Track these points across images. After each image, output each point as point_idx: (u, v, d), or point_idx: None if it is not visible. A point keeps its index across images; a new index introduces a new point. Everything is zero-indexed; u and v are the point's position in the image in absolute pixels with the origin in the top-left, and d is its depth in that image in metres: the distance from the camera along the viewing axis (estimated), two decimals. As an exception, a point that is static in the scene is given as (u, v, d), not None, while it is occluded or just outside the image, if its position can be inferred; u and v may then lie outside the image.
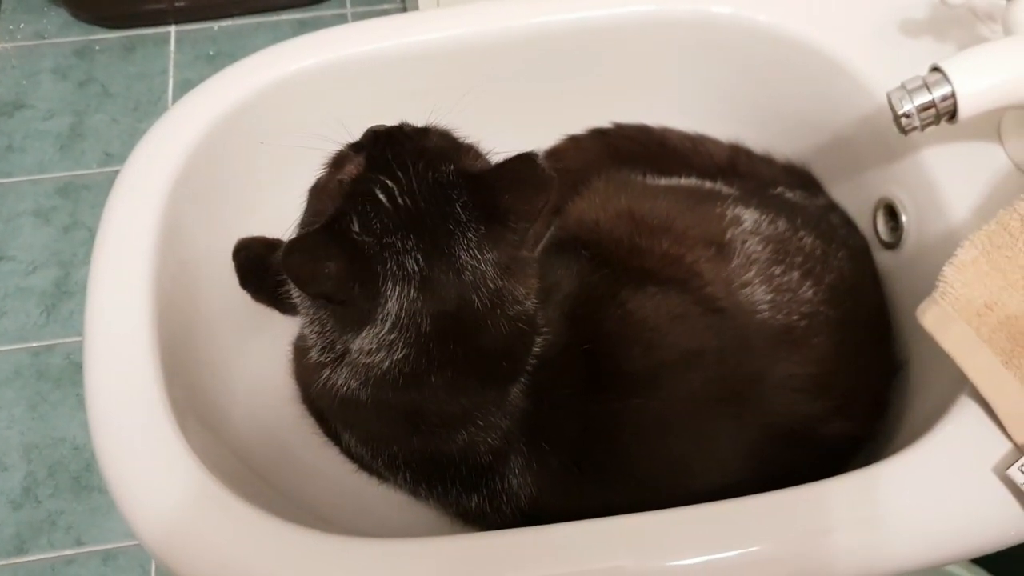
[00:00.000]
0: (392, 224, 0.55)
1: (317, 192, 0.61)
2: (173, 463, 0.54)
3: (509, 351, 0.59)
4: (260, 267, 0.72)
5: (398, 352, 0.56)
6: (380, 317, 0.55)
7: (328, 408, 0.65)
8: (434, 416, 0.59)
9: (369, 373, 0.57)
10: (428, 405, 0.59)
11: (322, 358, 0.60)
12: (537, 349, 0.61)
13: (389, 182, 0.56)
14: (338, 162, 0.61)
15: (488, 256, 0.56)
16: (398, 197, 0.56)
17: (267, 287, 0.73)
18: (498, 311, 0.57)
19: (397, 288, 0.54)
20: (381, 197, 0.56)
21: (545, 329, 0.61)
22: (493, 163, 0.60)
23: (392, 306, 0.55)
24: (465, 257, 0.55)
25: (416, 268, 0.54)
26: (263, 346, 0.72)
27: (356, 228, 0.55)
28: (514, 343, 0.59)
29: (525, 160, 0.57)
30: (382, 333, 0.55)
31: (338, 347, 0.58)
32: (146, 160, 0.68)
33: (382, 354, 0.56)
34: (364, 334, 0.56)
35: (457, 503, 0.63)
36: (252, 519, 0.52)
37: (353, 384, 0.59)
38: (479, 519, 0.63)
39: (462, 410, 0.59)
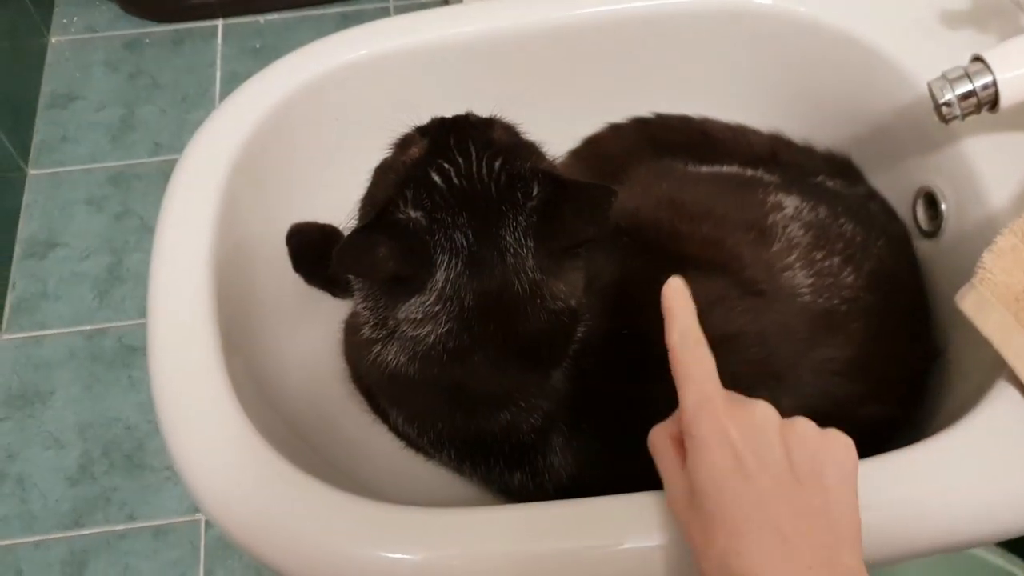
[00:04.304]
0: (444, 202, 0.57)
1: (383, 171, 0.64)
2: (233, 433, 0.56)
3: (550, 340, 0.60)
4: (312, 251, 0.75)
5: (442, 326, 0.57)
6: (429, 287, 0.57)
7: (377, 384, 0.68)
8: (477, 395, 0.61)
9: (416, 347, 0.59)
10: (471, 383, 0.60)
11: (373, 334, 0.62)
12: (579, 335, 0.62)
13: (446, 165, 0.58)
14: (404, 143, 0.64)
15: (531, 244, 0.57)
16: (454, 178, 0.58)
17: (319, 271, 0.75)
18: (538, 301, 0.58)
19: (446, 259, 0.56)
20: (436, 178, 0.58)
21: (586, 316, 0.62)
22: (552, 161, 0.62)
23: (440, 276, 0.57)
24: (510, 239, 0.57)
25: (464, 243, 0.56)
26: (315, 326, 0.74)
27: (404, 207, 0.57)
28: (555, 334, 0.60)
29: (602, 191, 0.58)
30: (428, 303, 0.57)
31: (390, 323, 0.60)
32: (205, 148, 0.70)
33: (428, 327, 0.58)
34: (412, 302, 0.58)
35: (500, 479, 0.65)
36: (309, 487, 0.54)
37: (402, 359, 0.61)
38: (521, 495, 0.65)
39: (504, 391, 0.61)
